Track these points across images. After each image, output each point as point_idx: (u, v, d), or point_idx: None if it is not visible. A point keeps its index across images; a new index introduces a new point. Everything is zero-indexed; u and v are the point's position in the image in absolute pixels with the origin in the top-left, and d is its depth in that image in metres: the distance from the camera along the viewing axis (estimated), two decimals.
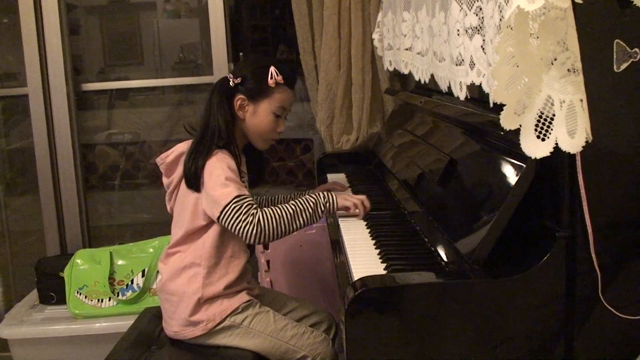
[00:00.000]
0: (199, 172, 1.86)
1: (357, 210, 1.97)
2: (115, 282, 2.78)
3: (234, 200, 1.80)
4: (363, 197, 2.00)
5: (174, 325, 1.93)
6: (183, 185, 1.93)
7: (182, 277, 1.92)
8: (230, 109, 1.96)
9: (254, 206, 1.83)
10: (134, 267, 2.80)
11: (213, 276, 1.90)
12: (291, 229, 1.87)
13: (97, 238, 3.37)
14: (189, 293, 1.89)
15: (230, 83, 1.96)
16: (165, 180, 2.02)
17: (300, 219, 1.88)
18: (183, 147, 1.95)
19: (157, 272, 2.64)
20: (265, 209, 1.84)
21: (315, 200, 1.91)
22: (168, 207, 2.03)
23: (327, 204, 1.92)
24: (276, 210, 1.85)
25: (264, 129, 1.99)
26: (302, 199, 1.91)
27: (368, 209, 1.98)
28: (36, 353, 2.72)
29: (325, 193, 1.95)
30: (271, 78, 1.95)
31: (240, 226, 1.80)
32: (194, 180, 1.88)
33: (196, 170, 1.86)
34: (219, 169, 1.85)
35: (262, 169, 2.21)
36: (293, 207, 1.87)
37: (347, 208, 1.96)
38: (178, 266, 1.93)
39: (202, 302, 1.89)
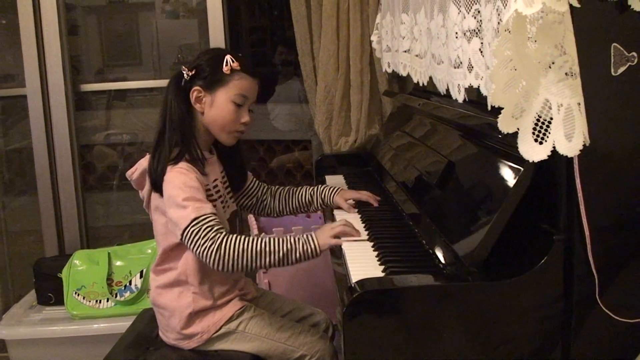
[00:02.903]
0: (161, 178, 1.79)
1: (347, 238, 1.82)
2: (113, 283, 2.79)
3: (192, 223, 1.70)
4: (342, 221, 1.87)
5: (170, 338, 1.91)
6: (154, 200, 1.86)
7: (171, 293, 1.88)
8: (187, 104, 1.86)
9: (215, 228, 1.71)
10: (132, 268, 2.80)
11: (203, 290, 1.86)
12: (255, 265, 1.72)
13: (95, 239, 3.37)
14: (180, 308, 1.86)
15: (185, 76, 1.87)
16: (140, 193, 1.95)
17: (267, 259, 1.72)
18: (147, 161, 1.86)
19: None
20: (233, 236, 1.72)
21: (291, 245, 1.74)
22: (150, 217, 1.95)
23: (308, 251, 1.75)
24: (244, 241, 1.71)
25: (225, 119, 1.87)
26: (279, 239, 1.75)
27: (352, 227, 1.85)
28: (34, 354, 2.71)
29: (306, 237, 1.77)
30: (226, 65, 1.85)
31: (200, 250, 1.70)
32: (158, 186, 1.80)
33: (157, 176, 1.79)
34: (177, 189, 1.74)
35: (242, 168, 2.10)
36: (263, 245, 1.72)
37: (335, 245, 1.80)
38: (166, 282, 1.88)
39: (194, 316, 1.86)
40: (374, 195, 2.15)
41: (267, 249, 1.72)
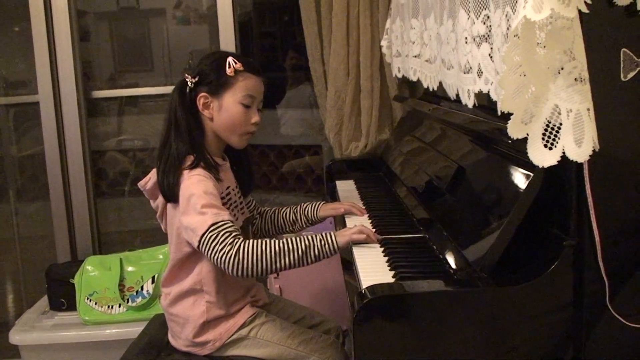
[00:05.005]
0: (174, 188, 1.77)
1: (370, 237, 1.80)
2: (125, 289, 2.79)
3: (210, 229, 1.68)
4: (360, 226, 1.84)
5: (182, 345, 1.91)
6: (169, 210, 1.86)
7: (185, 302, 1.88)
8: (193, 112, 1.85)
9: (234, 234, 1.70)
10: (144, 274, 2.81)
11: (218, 299, 1.85)
12: (275, 267, 1.70)
13: (107, 244, 3.38)
14: (194, 317, 1.85)
15: (189, 83, 1.85)
16: (152, 203, 1.95)
17: (287, 259, 1.70)
18: None
19: None
20: (251, 240, 1.71)
21: (309, 242, 1.72)
22: (162, 228, 1.97)
23: (325, 247, 1.73)
24: (261, 244, 1.70)
25: (235, 122, 1.85)
26: (296, 238, 1.73)
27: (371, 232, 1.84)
28: (46, 359, 2.73)
29: (323, 234, 1.75)
30: (229, 67, 1.82)
31: (218, 256, 1.68)
32: (171, 196, 1.80)
33: (170, 187, 1.78)
34: (195, 196, 1.73)
35: (251, 173, 2.08)
36: (281, 245, 1.71)
37: (355, 240, 1.79)
38: (180, 292, 1.88)
39: (207, 325, 1.86)
40: (358, 206, 2.15)
41: (285, 248, 1.70)
